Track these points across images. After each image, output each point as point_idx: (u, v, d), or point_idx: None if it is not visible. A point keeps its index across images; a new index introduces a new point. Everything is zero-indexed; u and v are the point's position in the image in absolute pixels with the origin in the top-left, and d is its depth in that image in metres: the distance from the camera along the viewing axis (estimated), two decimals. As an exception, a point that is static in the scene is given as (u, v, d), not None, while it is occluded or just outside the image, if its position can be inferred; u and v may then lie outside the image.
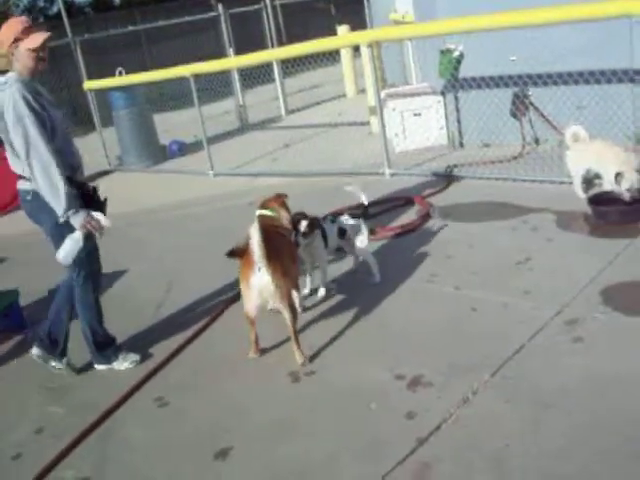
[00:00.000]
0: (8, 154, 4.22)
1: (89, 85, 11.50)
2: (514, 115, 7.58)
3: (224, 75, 12.68)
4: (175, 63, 10.12)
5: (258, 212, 4.67)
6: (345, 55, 13.99)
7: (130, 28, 16.00)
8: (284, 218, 4.63)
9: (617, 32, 6.21)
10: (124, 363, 4.62)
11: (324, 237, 4.93)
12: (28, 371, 4.85)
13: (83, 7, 28.23)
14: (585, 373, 3.63)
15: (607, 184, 5.65)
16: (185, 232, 7.33)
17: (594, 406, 3.36)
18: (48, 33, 4.15)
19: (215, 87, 12.18)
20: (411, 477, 3.12)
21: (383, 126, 7.81)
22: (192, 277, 5.90)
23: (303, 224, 4.69)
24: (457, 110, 8.30)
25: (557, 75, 6.99)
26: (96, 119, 11.71)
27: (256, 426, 3.74)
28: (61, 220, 4.09)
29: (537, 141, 7.65)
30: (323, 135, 10.84)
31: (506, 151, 7.49)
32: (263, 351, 4.43)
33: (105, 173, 11.25)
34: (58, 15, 14.59)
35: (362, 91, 12.42)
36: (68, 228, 4.17)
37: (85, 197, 4.26)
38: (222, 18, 13.77)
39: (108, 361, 4.63)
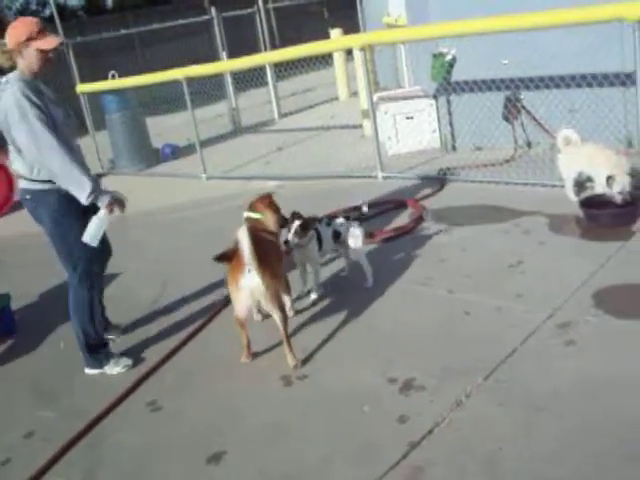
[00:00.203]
0: (11, 154, 4.25)
1: (82, 88, 11.48)
2: (506, 118, 7.59)
3: (217, 78, 12.67)
4: (168, 66, 10.09)
5: (245, 215, 4.67)
6: (338, 58, 13.99)
7: (123, 31, 15.93)
8: (271, 220, 4.63)
9: (608, 36, 6.23)
10: (116, 367, 4.60)
11: (319, 240, 4.93)
12: (18, 375, 4.84)
13: (76, 10, 28.25)
14: (577, 376, 3.63)
15: (599, 187, 5.67)
16: (179, 235, 7.32)
17: (586, 409, 3.37)
18: (61, 38, 4.31)
19: (208, 90, 12.16)
20: (404, 481, 3.12)
21: (376, 129, 7.81)
22: (186, 279, 5.88)
23: (296, 224, 4.69)
24: (449, 113, 8.31)
25: (549, 78, 7.00)
26: (89, 122, 11.68)
27: (249, 430, 3.73)
28: (86, 203, 4.13)
29: (529, 144, 7.67)
30: (316, 138, 10.84)
31: (498, 154, 7.50)
32: (255, 355, 4.43)
33: (98, 176, 11.19)
34: (51, 18, 14.53)
35: (355, 94, 12.42)
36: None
37: None
38: (215, 21, 13.74)
39: (100, 365, 4.60)
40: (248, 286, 4.10)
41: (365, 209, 5.44)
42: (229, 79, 13.38)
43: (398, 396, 3.75)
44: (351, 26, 13.36)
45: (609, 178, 5.49)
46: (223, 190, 8.70)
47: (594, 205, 5.59)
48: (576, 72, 6.83)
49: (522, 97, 7.44)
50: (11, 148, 4.23)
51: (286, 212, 4.80)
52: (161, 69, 10.28)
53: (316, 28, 16.29)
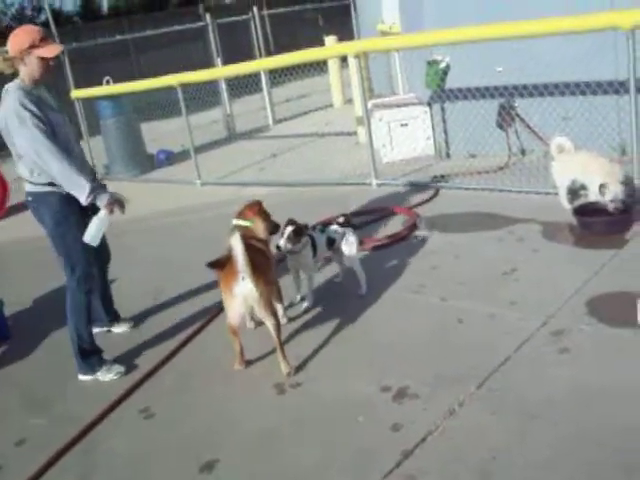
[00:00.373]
0: (14, 158, 4.39)
1: (76, 94, 11.47)
2: (500, 126, 7.62)
3: (212, 84, 12.67)
4: (163, 72, 10.08)
5: (234, 222, 4.66)
6: (332, 65, 14.00)
7: (118, 37, 15.95)
8: (260, 228, 4.62)
9: (602, 44, 6.25)
10: (108, 374, 4.58)
11: (313, 247, 4.92)
12: (11, 382, 4.82)
13: (71, 16, 28.25)
14: (571, 384, 3.63)
15: (592, 195, 5.68)
16: (173, 241, 7.31)
17: (580, 417, 3.37)
18: (62, 46, 4.40)
19: (203, 96, 12.16)
20: (397, 490, 3.12)
21: (370, 136, 7.81)
22: (179, 286, 5.86)
23: (289, 229, 4.69)
24: (444, 121, 8.33)
25: (543, 86, 7.03)
26: (83, 128, 11.67)
27: (242, 438, 3.72)
28: (86, 203, 4.24)
29: (523, 152, 7.69)
30: (310, 145, 10.85)
31: (492, 162, 7.52)
32: (248, 363, 4.41)
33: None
34: (46, 24, 14.56)
35: (349, 101, 12.45)
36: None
37: None
38: (210, 28, 13.77)
39: (92, 370, 4.60)
40: (242, 293, 4.10)
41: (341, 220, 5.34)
42: (224, 85, 13.40)
43: (391, 404, 3.75)
44: (346, 33, 13.43)
45: (602, 186, 5.50)
46: (217, 196, 8.70)
47: (588, 213, 5.60)
48: (570, 80, 6.86)
49: (516, 105, 7.46)
50: (13, 153, 4.35)
51: (280, 219, 4.80)
52: (156, 75, 10.28)
53: (311, 35, 16.34)
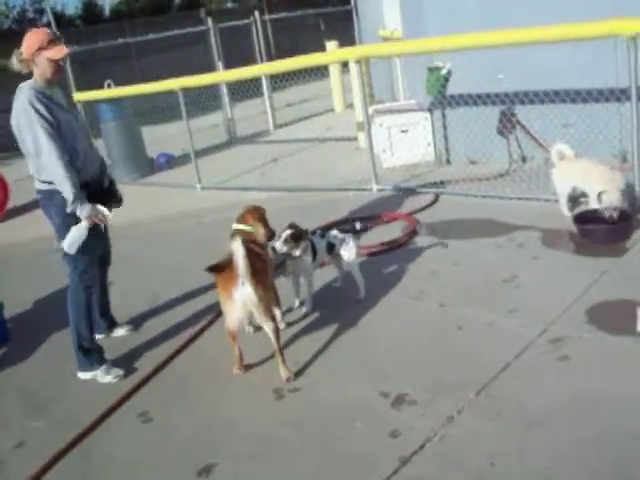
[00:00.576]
0: (26, 156, 4.49)
1: (78, 97, 11.45)
2: (501, 133, 7.62)
3: (213, 88, 12.68)
4: (164, 76, 10.09)
5: (234, 226, 4.68)
6: (333, 70, 14.03)
7: (120, 40, 15.98)
8: (260, 233, 4.64)
9: (603, 51, 6.26)
10: (107, 376, 4.60)
11: (314, 252, 4.92)
12: (10, 384, 4.81)
13: (73, 19, 28.28)
14: (570, 392, 3.62)
15: (593, 202, 5.68)
16: (172, 245, 7.30)
17: (579, 426, 3.36)
18: (69, 48, 4.56)
19: (204, 100, 12.18)
20: (395, 496, 3.11)
21: (370, 142, 7.82)
22: (178, 290, 5.86)
23: (286, 232, 4.69)
24: (444, 127, 8.33)
25: (544, 93, 7.04)
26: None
27: (240, 443, 3.71)
28: (69, 210, 4.34)
29: (524, 159, 7.69)
30: (311, 150, 10.85)
31: (493, 168, 7.52)
32: (248, 368, 4.41)
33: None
34: (47, 26, 14.57)
35: (350, 106, 12.45)
36: (73, 223, 4.43)
37: (98, 192, 4.58)
38: (211, 32, 13.79)
39: (91, 367, 4.63)
40: (241, 298, 4.10)
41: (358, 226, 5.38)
42: (225, 89, 13.41)
43: (390, 410, 3.74)
44: (347, 38, 13.45)
45: (600, 194, 5.50)
46: (218, 200, 8.69)
47: (588, 220, 5.60)
48: (571, 87, 6.86)
49: (517, 112, 7.47)
50: (24, 151, 4.46)
51: (281, 224, 4.81)
52: (157, 79, 10.29)
53: (312, 40, 16.36)
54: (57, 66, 4.42)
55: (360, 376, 4.14)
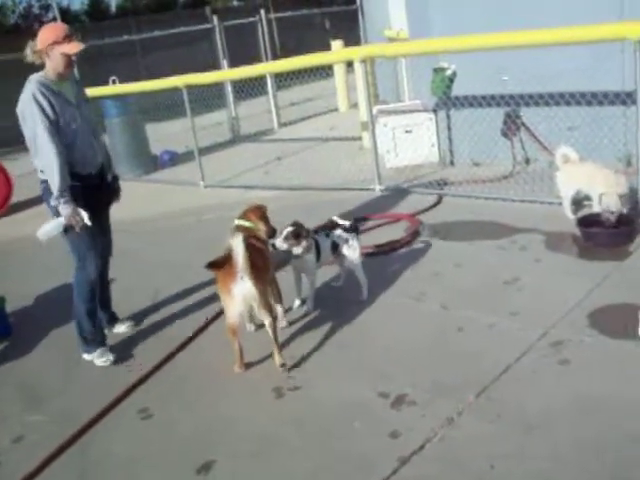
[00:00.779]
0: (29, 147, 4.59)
1: (82, 93, 11.46)
2: (505, 135, 7.60)
3: (217, 86, 12.68)
4: (169, 73, 10.09)
5: (236, 222, 4.69)
6: (338, 70, 14.02)
7: (125, 37, 15.99)
8: (262, 230, 4.68)
9: (609, 55, 6.26)
10: (100, 359, 4.75)
11: (318, 251, 4.92)
12: (10, 378, 4.81)
13: (79, 15, 28.25)
14: (571, 395, 3.62)
15: (596, 206, 5.67)
16: (175, 242, 7.30)
17: (579, 429, 3.35)
18: (83, 45, 4.54)
19: (208, 98, 12.17)
20: (394, 497, 3.11)
21: (374, 142, 7.82)
22: (179, 287, 5.86)
23: (287, 229, 4.70)
24: (448, 128, 8.32)
25: (549, 96, 7.02)
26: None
27: (240, 441, 3.71)
28: (52, 204, 4.43)
29: (527, 161, 7.67)
30: (315, 149, 10.85)
31: (496, 170, 7.51)
32: (248, 366, 4.40)
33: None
34: (53, 22, 14.58)
35: (354, 106, 12.45)
36: (58, 215, 4.47)
37: (97, 185, 4.69)
38: (217, 30, 13.80)
39: (89, 350, 4.80)
40: (241, 292, 4.13)
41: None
42: (229, 88, 13.41)
43: (390, 411, 3.74)
44: (352, 38, 13.43)
45: (601, 196, 5.49)
46: (221, 198, 8.69)
47: (592, 223, 5.59)
48: (576, 90, 6.84)
49: (522, 114, 7.45)
50: (29, 144, 4.50)
51: (283, 222, 4.81)
52: (162, 76, 10.29)
53: (317, 39, 16.36)
54: (69, 61, 4.48)
55: (360, 376, 4.13)
